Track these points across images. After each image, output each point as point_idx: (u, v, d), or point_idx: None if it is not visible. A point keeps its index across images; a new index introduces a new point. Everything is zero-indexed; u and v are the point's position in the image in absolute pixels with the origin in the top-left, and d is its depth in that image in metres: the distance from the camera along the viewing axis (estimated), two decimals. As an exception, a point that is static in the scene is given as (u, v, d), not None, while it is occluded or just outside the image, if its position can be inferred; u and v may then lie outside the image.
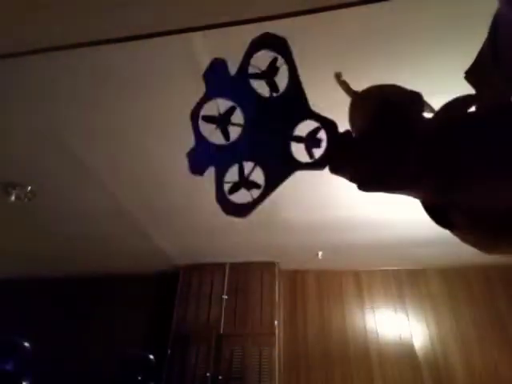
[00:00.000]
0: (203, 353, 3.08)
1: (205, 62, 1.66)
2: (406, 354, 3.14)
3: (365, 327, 3.33)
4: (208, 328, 3.21)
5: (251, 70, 0.54)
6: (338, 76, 0.69)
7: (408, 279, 3.53)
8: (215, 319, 3.24)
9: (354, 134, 0.57)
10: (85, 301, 3.91)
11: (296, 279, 3.69)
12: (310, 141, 0.54)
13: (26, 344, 3.11)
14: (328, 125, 0.54)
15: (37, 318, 3.76)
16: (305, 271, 3.70)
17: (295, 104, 0.54)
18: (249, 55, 0.53)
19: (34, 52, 1.46)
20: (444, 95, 1.79)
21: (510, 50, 0.46)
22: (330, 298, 3.53)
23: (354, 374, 3.11)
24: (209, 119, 0.54)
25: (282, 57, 0.53)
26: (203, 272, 3.54)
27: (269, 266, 3.47)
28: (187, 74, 1.61)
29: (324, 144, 0.55)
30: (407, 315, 3.34)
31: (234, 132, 0.53)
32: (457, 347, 3.10)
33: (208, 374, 2.95)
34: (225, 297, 3.35)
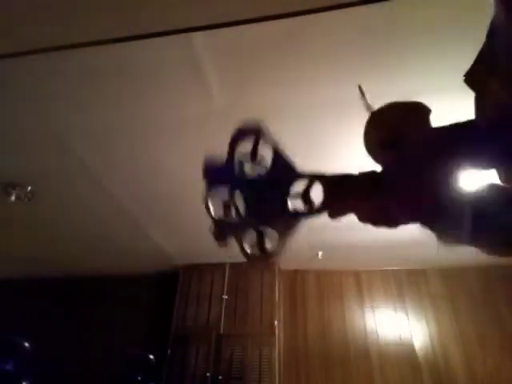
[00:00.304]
0: (203, 353, 3.08)
1: (205, 62, 1.67)
2: (406, 354, 3.14)
3: (365, 327, 3.33)
4: (208, 328, 3.21)
5: (237, 158, 0.62)
6: (360, 88, 0.74)
7: (408, 279, 3.53)
8: (215, 319, 3.24)
9: (366, 150, 0.61)
10: (85, 301, 3.91)
11: (296, 279, 3.69)
12: (304, 197, 0.63)
13: (26, 344, 3.11)
14: (319, 179, 0.61)
15: (37, 318, 3.76)
16: (305, 271, 3.70)
17: (284, 171, 0.62)
18: (232, 148, 0.62)
19: (34, 52, 1.46)
20: (444, 94, 1.78)
21: (507, 53, 0.46)
22: (330, 297, 3.53)
23: (354, 374, 3.11)
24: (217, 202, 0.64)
25: (263, 140, 0.62)
26: (203, 272, 3.54)
27: (269, 266, 3.47)
28: (187, 73, 1.61)
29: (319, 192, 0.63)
30: (407, 315, 3.34)
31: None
32: (457, 347, 3.10)
33: (208, 374, 2.94)
34: (225, 297, 3.35)
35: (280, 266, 3.56)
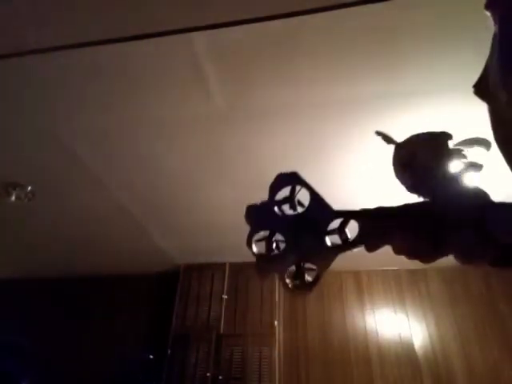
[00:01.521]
0: (203, 353, 3.08)
1: (205, 62, 1.67)
2: (406, 353, 3.14)
3: (365, 327, 3.33)
4: (208, 328, 3.20)
5: (277, 199, 0.68)
6: (379, 134, 0.79)
7: (408, 279, 3.52)
8: (215, 319, 3.24)
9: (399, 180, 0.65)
10: (85, 301, 3.91)
11: (296, 279, 3.69)
12: (340, 233, 0.67)
13: (26, 344, 3.11)
14: (354, 217, 0.65)
15: (37, 318, 3.76)
16: (305, 271, 3.70)
17: (321, 212, 0.67)
18: (272, 194, 0.68)
19: (34, 52, 1.47)
20: (444, 94, 1.78)
21: (509, 64, 0.47)
22: (330, 298, 3.53)
23: (353, 374, 3.11)
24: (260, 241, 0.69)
25: (300, 185, 0.67)
26: (203, 272, 3.54)
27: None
28: (187, 73, 1.61)
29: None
30: (407, 315, 3.34)
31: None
32: (457, 347, 3.10)
33: (208, 374, 2.94)
34: (225, 297, 3.35)
35: (280, 266, 3.56)
